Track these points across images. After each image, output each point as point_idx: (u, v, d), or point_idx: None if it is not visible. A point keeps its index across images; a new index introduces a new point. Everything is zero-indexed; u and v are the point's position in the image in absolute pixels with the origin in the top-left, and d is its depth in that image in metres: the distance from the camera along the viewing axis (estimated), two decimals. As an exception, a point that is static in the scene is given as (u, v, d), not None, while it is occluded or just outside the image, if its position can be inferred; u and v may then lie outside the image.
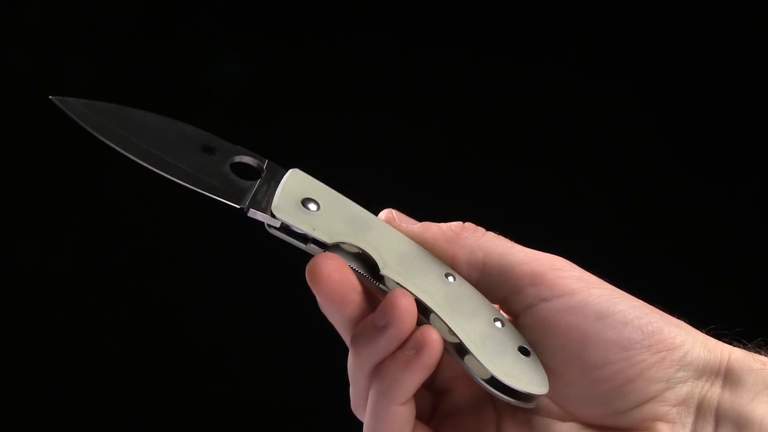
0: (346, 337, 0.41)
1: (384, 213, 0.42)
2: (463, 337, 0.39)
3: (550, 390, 0.40)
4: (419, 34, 1.00)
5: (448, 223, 0.41)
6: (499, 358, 0.39)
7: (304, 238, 0.40)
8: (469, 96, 0.98)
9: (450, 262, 0.40)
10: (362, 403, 0.41)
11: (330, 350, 0.95)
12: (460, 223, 0.41)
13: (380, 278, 0.40)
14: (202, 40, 0.98)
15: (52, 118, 0.95)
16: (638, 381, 0.38)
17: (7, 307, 0.97)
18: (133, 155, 0.40)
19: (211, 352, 0.99)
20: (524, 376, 0.39)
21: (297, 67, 0.98)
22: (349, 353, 0.40)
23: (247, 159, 0.42)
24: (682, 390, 0.38)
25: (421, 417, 0.41)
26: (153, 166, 0.40)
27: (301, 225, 0.40)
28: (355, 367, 0.40)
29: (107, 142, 0.41)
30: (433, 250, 0.41)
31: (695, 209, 0.98)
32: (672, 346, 0.38)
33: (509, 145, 0.97)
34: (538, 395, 0.39)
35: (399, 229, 0.41)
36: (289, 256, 0.93)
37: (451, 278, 0.40)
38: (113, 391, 0.97)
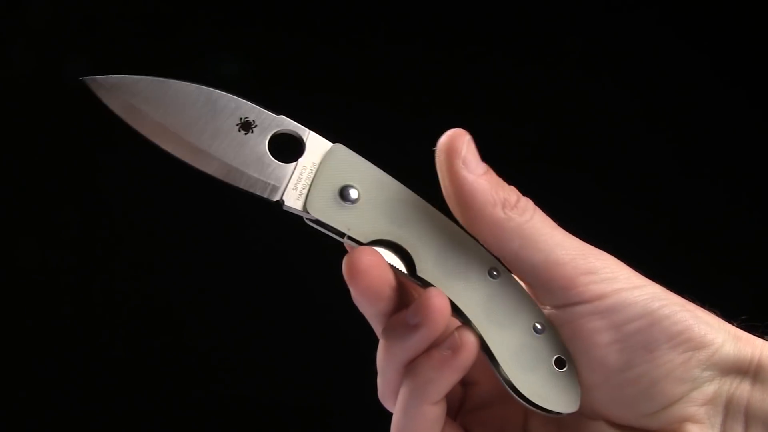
0: (377, 329, 0.40)
1: (456, 131, 0.38)
2: (495, 351, 0.38)
3: None
4: (416, 30, 1.00)
5: (507, 191, 0.38)
6: (531, 373, 0.38)
7: (340, 232, 0.39)
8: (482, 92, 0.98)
9: (483, 238, 0.38)
10: (389, 394, 0.40)
11: (332, 351, 0.95)
12: (516, 196, 0.39)
13: (417, 277, 0.39)
14: (207, 36, 0.98)
15: (51, 118, 0.95)
16: (664, 382, 0.37)
17: (7, 307, 0.96)
18: (164, 146, 0.38)
19: (213, 352, 0.99)
20: (554, 395, 0.38)
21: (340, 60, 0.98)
22: (380, 345, 0.40)
23: (288, 131, 0.40)
24: (709, 389, 0.38)
25: (448, 412, 0.41)
26: (187, 160, 0.38)
27: (335, 224, 0.38)
28: (385, 360, 0.40)
29: (139, 131, 0.38)
30: (471, 216, 0.38)
31: (722, 203, 0.99)
32: (701, 345, 0.37)
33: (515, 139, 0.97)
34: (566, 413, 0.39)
35: (454, 169, 0.37)
36: (293, 255, 0.93)
37: (494, 273, 0.39)
38: (115, 391, 0.97)
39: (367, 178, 0.39)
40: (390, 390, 0.40)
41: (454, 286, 0.38)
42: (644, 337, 0.37)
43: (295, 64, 0.97)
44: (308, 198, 0.38)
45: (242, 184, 0.38)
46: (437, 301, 0.37)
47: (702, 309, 0.39)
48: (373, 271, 0.37)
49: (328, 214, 0.38)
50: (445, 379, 0.38)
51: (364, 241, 0.38)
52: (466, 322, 0.39)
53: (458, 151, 0.38)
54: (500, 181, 0.38)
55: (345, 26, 0.99)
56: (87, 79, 0.39)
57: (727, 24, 1.00)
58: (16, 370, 0.96)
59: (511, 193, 0.38)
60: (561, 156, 0.99)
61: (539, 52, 0.99)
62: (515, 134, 0.97)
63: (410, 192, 0.39)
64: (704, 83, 0.99)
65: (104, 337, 0.98)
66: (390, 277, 0.38)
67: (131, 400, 0.97)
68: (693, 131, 1.00)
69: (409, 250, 0.39)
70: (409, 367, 0.39)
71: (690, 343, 0.37)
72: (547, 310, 0.39)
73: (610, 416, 0.39)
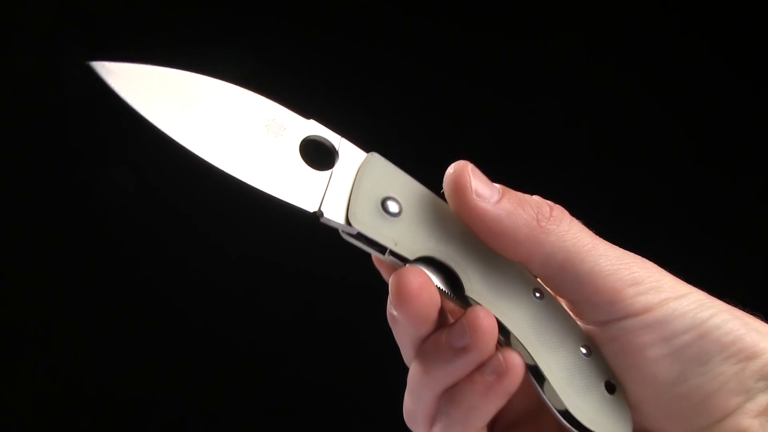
0: (409, 351, 0.38)
1: (457, 166, 0.35)
2: (548, 375, 0.36)
3: None
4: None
5: (534, 204, 0.36)
6: (584, 397, 0.36)
7: (383, 247, 0.36)
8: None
9: (524, 258, 0.36)
10: (423, 419, 0.38)
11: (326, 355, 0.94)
12: (547, 206, 0.36)
13: (464, 297, 0.36)
14: (208, 36, 0.97)
15: (52, 117, 0.94)
16: (718, 395, 0.36)
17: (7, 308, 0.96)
18: (185, 145, 0.34)
19: (212, 355, 0.98)
20: (607, 420, 0.37)
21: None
22: (415, 369, 0.37)
23: (319, 137, 0.36)
24: (763, 399, 0.36)
25: None
26: (212, 162, 0.34)
27: (381, 239, 0.35)
28: (422, 385, 0.37)
29: (155, 125, 0.34)
30: (507, 242, 0.36)
31: (754, 202, 0.98)
32: (753, 354, 0.36)
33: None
34: None
35: (470, 205, 0.35)
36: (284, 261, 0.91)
37: (537, 294, 0.37)
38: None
39: (406, 190, 0.36)
40: (426, 415, 0.38)
41: (502, 306, 0.36)
42: (696, 350, 0.36)
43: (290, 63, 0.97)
44: (349, 210, 0.35)
45: (275, 193, 0.35)
46: (486, 321, 0.35)
47: (749, 315, 0.37)
48: (424, 295, 0.35)
49: (373, 227, 0.35)
50: (490, 405, 0.36)
51: (411, 258, 0.36)
52: (508, 343, 0.36)
53: (466, 185, 0.35)
54: (521, 196, 0.36)
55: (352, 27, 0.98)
56: (96, 64, 0.34)
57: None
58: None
59: (541, 204, 0.36)
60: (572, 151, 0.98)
61: (546, 37, 0.99)
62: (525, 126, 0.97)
63: (447, 205, 0.36)
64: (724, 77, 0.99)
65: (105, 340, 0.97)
66: (438, 299, 0.36)
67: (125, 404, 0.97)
68: (712, 123, 0.99)
69: (455, 269, 0.36)
70: (450, 394, 0.37)
71: (742, 354, 0.36)
72: (590, 327, 0.38)
73: (659, 430, 0.38)
